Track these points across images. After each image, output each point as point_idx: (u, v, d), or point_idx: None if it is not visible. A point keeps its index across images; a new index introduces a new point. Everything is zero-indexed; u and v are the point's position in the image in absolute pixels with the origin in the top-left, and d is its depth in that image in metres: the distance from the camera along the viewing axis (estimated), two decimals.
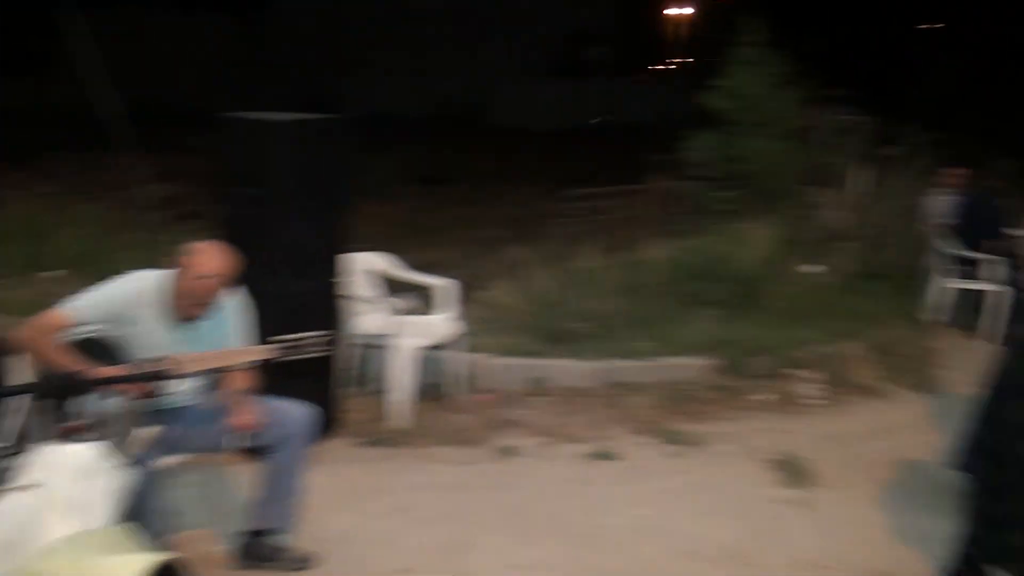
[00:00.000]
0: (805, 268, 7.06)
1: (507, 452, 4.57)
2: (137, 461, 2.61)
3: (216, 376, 3.16)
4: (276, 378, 3.30)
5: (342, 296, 4.51)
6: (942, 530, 3.46)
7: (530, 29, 25.47)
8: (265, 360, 2.92)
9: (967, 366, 5.42)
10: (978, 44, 24.24)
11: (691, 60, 31.74)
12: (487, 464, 4.46)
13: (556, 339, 5.56)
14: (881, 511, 4.09)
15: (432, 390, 5.01)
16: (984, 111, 17.31)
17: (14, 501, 1.90)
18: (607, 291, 6.10)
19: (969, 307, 7.05)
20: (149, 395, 2.80)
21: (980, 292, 6.90)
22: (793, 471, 4.40)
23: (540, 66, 26.08)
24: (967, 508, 3.28)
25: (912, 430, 5.05)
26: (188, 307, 3.15)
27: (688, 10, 33.08)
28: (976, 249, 7.08)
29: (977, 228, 7.22)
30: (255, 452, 3.36)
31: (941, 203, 7.71)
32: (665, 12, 33.58)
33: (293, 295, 4.07)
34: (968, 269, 7.08)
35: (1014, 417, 3.03)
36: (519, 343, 5.49)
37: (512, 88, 23.49)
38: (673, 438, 4.75)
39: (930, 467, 4.48)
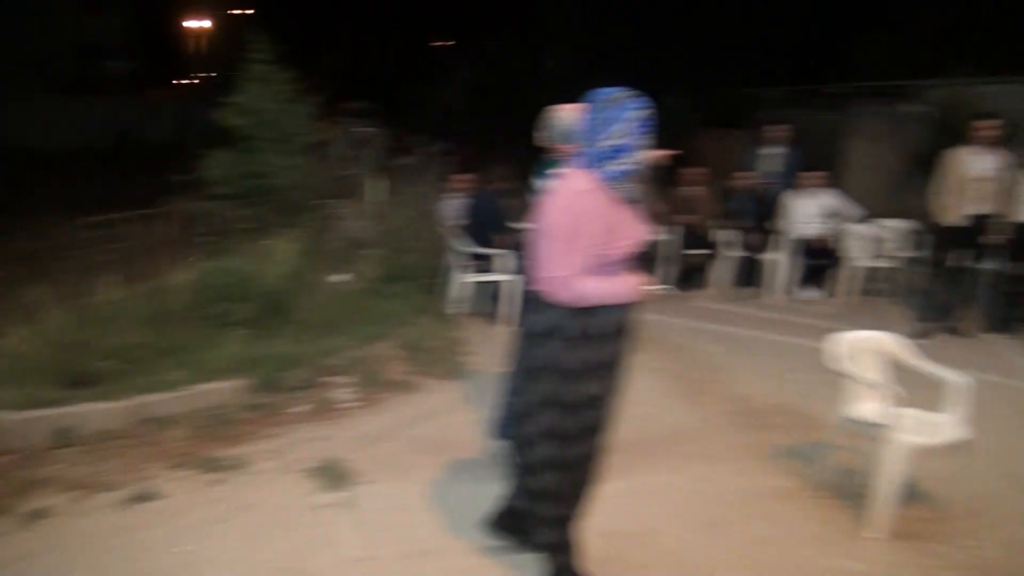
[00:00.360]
0: (333, 278, 7.26)
1: (36, 516, 4.13)
2: None
3: None
4: None
5: None
6: (488, 495, 3.84)
7: (36, 42, 23.34)
8: None
9: (492, 350, 6.04)
10: (486, 59, 26.63)
11: (213, 75, 31.15)
12: (15, 534, 4.00)
13: (79, 382, 5.15)
14: (424, 492, 4.40)
15: None
16: (491, 120, 19.24)
17: None
18: (131, 323, 5.79)
19: (487, 297, 7.83)
20: None
21: (495, 283, 7.65)
22: (333, 475, 4.54)
23: (50, 82, 24.05)
24: (510, 469, 3.67)
25: (448, 414, 5.51)
26: None
27: (207, 23, 32.39)
28: (487, 245, 7.84)
29: (486, 226, 7.98)
30: None
31: (452, 206, 8.39)
32: (185, 25, 32.58)
33: None
34: (483, 263, 7.82)
35: (528, 391, 3.42)
36: (38, 393, 4.98)
37: (18, 106, 21.36)
38: (213, 466, 4.62)
39: (471, 442, 4.93)
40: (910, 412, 4.50)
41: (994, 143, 7.35)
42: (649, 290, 3.37)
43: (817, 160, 8.45)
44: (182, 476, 4.56)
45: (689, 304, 9.05)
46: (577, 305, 3.20)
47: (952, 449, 4.37)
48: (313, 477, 4.52)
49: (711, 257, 9.80)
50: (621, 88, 3.21)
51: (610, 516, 4.19)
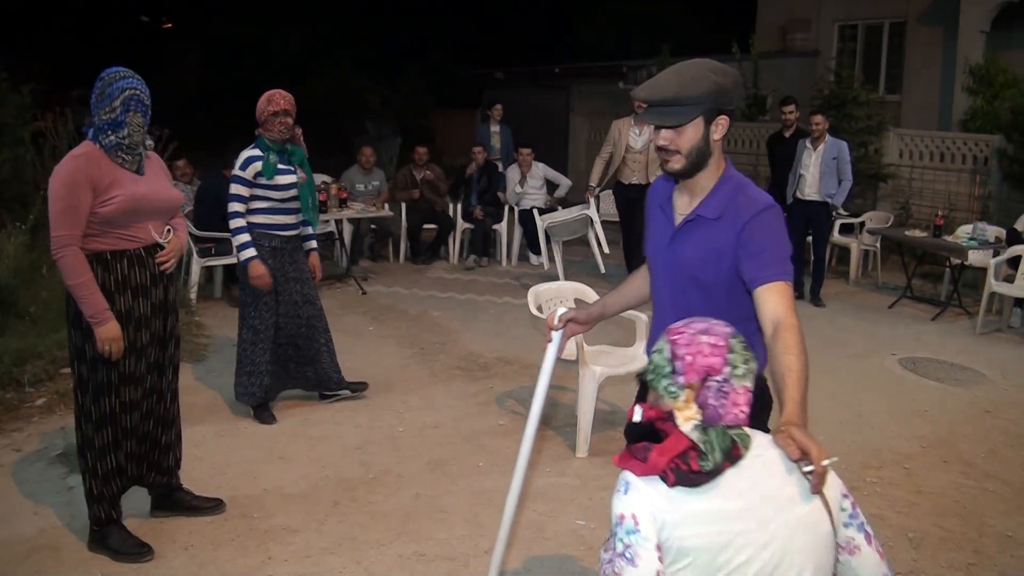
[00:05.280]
0: None
1: None
2: None
3: None
4: None
5: None
6: None
7: None
8: None
9: (229, 331, 6.19)
10: (212, 42, 25.91)
11: None
12: None
13: None
14: None
15: None
16: (223, 103, 18.89)
17: None
18: None
19: (231, 281, 7.99)
20: None
21: (233, 266, 7.80)
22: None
23: None
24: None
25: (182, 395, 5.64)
26: None
27: None
28: (220, 229, 7.94)
29: (216, 210, 8.06)
30: None
31: (183, 192, 8.43)
32: None
33: None
34: (218, 247, 7.93)
35: None
36: None
37: None
38: None
39: (206, 418, 5.15)
40: (601, 347, 5.31)
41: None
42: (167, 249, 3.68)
43: (546, 136, 9.14)
44: None
45: (425, 276, 9.63)
46: (61, 270, 3.46)
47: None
48: (61, 463, 4.61)
49: (445, 230, 10.40)
50: (118, 68, 3.54)
51: (345, 466, 4.66)
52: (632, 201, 8.42)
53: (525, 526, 4.01)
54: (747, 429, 1.89)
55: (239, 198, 4.99)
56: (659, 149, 2.48)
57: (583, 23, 23.63)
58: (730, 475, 1.83)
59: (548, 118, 18.26)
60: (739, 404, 1.88)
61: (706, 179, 2.48)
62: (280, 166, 5.01)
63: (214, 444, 4.92)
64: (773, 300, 2.31)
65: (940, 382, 6.34)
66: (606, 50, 20.20)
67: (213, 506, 4.09)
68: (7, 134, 7.69)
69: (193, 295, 7.82)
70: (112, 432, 3.65)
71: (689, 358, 1.88)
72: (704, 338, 1.90)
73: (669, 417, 1.89)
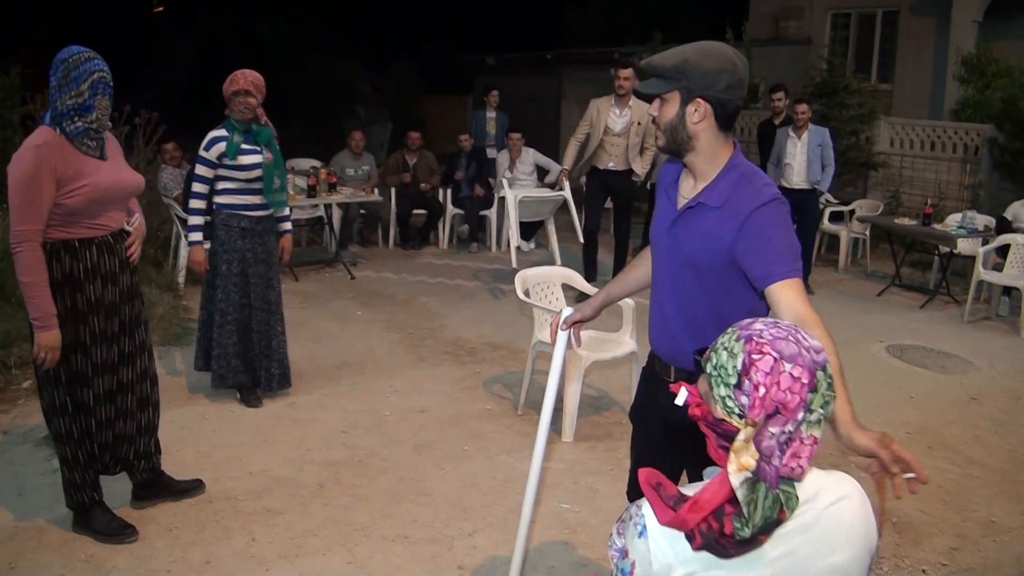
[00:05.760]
0: None
1: None
2: None
3: None
4: None
5: None
6: None
7: None
8: None
9: None
10: (200, 28, 25.77)
11: None
12: None
13: None
14: None
15: None
16: (212, 89, 18.81)
17: None
18: None
19: None
20: None
21: None
22: None
23: None
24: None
25: (169, 376, 5.63)
26: None
27: None
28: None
29: None
30: None
31: (171, 176, 8.40)
32: None
33: None
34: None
35: None
36: None
37: None
38: None
39: (190, 403, 5.13)
40: (584, 333, 5.27)
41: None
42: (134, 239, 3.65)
43: (538, 122, 8.95)
44: None
45: (415, 261, 9.60)
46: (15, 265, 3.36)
47: (623, 361, 5.19)
48: (46, 445, 4.57)
49: (434, 216, 10.38)
50: (81, 49, 3.41)
51: (330, 450, 4.65)
52: (608, 188, 8.14)
53: (509, 509, 4.01)
54: (797, 483, 1.59)
55: (201, 179, 4.98)
56: (652, 119, 2.46)
57: (575, 9, 23.54)
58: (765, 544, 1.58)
59: (540, 104, 18.22)
60: (801, 457, 1.57)
61: (705, 164, 2.41)
62: (244, 146, 4.94)
63: (198, 427, 4.91)
64: (788, 298, 2.23)
65: (927, 369, 6.36)
66: (598, 37, 20.15)
67: (195, 487, 4.08)
68: None
69: (181, 279, 7.78)
70: (86, 422, 3.61)
71: (763, 389, 1.54)
72: (788, 367, 1.54)
73: (715, 424, 1.63)
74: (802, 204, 8.50)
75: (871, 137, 11.72)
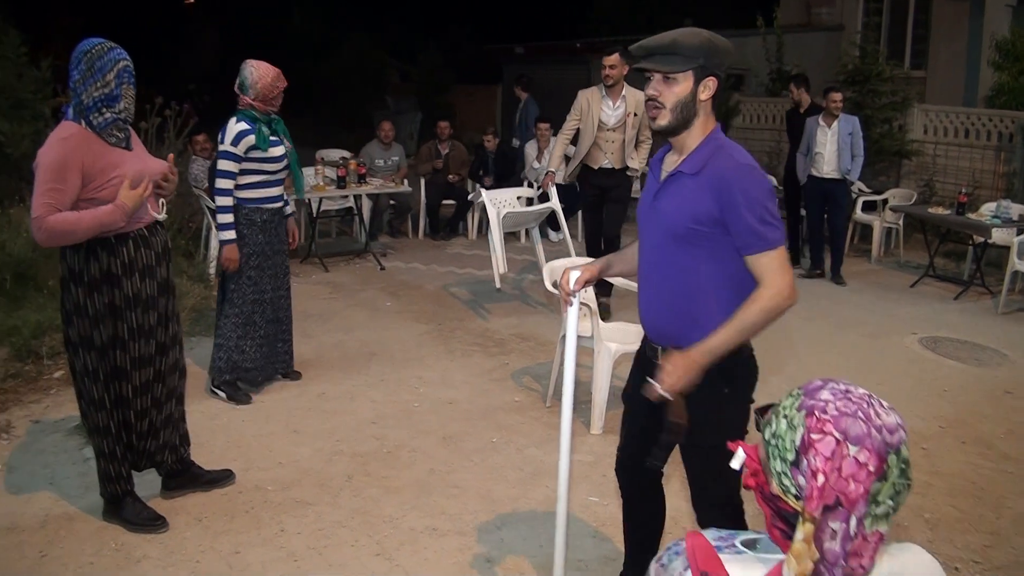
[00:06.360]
0: None
1: None
2: None
3: None
4: None
5: None
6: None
7: None
8: None
9: None
10: (231, 17, 25.92)
11: None
12: None
13: None
14: None
15: None
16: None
17: None
18: None
19: None
20: None
21: None
22: None
23: None
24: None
25: (200, 365, 5.67)
26: None
27: None
28: None
29: None
30: None
31: (202, 167, 8.46)
32: None
33: None
34: None
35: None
36: None
37: None
38: None
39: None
40: (613, 324, 5.28)
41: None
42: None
43: (566, 111, 8.87)
44: None
45: (444, 252, 9.62)
46: (56, 243, 3.35)
47: None
48: (78, 435, 4.63)
49: (463, 206, 10.38)
50: (101, 39, 3.38)
51: (359, 441, 4.67)
52: (605, 189, 7.09)
53: (538, 502, 4.01)
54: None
55: (229, 174, 4.89)
56: (648, 100, 2.55)
57: None
58: None
59: (568, 93, 18.12)
60: (863, 556, 1.36)
61: (692, 139, 2.54)
62: (271, 137, 4.95)
63: (228, 417, 4.94)
64: (760, 268, 2.42)
65: (961, 362, 6.28)
66: (627, 25, 20.03)
67: (224, 477, 4.11)
68: (27, 108, 7.73)
69: (212, 270, 7.83)
70: (124, 415, 3.65)
71: (822, 477, 1.34)
72: (852, 450, 1.34)
73: (770, 500, 1.46)
74: (832, 193, 8.42)
75: (904, 125, 11.57)
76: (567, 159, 7.65)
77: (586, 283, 2.84)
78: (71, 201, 3.26)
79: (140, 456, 3.81)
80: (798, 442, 1.38)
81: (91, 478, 3.88)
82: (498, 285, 7.37)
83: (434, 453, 4.55)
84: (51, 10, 23.05)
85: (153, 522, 3.71)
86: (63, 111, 3.44)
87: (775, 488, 1.43)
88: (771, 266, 2.39)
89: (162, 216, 3.66)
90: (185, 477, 4.02)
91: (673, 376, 2.41)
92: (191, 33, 26.46)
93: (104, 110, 3.34)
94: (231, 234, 4.93)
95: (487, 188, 10.25)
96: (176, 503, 3.93)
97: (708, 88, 2.49)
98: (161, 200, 3.67)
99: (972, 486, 4.33)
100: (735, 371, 2.56)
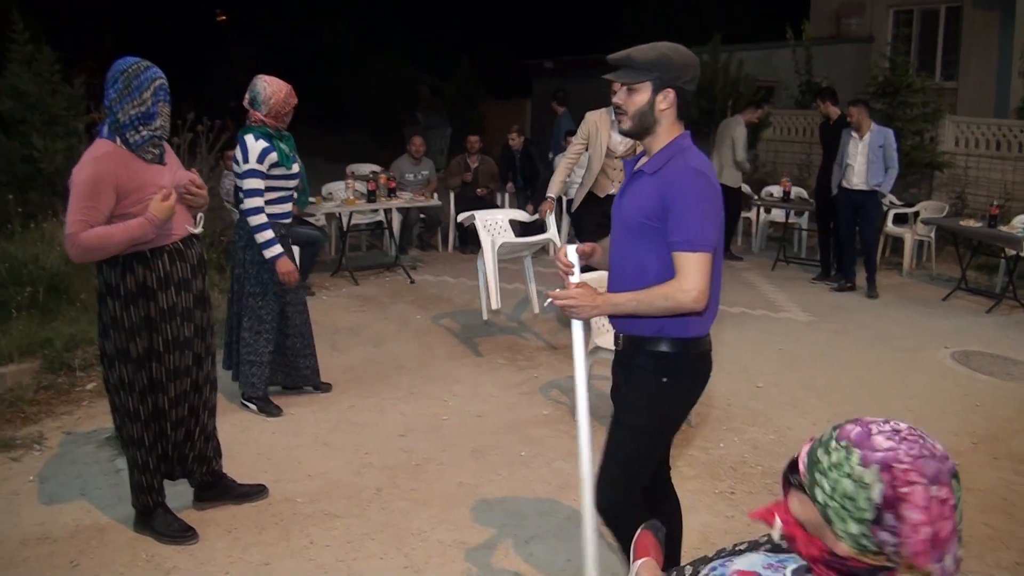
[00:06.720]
0: None
1: None
2: None
3: None
4: None
5: None
6: None
7: None
8: None
9: None
10: (263, 34, 26.22)
11: None
12: None
13: None
14: None
15: None
16: None
17: None
18: None
19: None
20: None
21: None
22: None
23: None
24: None
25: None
26: None
27: None
28: None
29: None
30: None
31: (233, 181, 8.53)
32: None
33: None
34: None
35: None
36: None
37: None
38: (8, 445, 4.68)
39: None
40: None
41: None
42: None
43: None
44: None
45: (473, 265, 9.56)
46: (89, 258, 3.39)
47: None
48: (109, 446, 4.70)
49: None
50: (137, 59, 3.43)
51: (388, 454, 4.69)
52: (608, 217, 6.60)
53: (566, 516, 4.01)
54: None
55: (258, 192, 4.84)
56: (615, 107, 2.79)
57: (634, 11, 23.43)
58: None
59: (598, 107, 18.16)
60: None
61: (657, 143, 2.74)
62: (290, 154, 4.98)
63: (259, 429, 4.99)
64: (677, 266, 2.58)
65: (993, 376, 6.20)
66: (656, 38, 20.01)
67: (257, 491, 4.14)
68: (60, 124, 7.86)
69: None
70: (160, 427, 3.69)
71: (926, 529, 1.31)
72: (935, 491, 1.31)
73: (836, 562, 1.39)
74: (862, 206, 8.37)
75: (935, 137, 11.49)
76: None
77: (584, 257, 3.00)
78: (104, 219, 3.31)
79: (173, 466, 3.86)
80: (877, 499, 1.32)
81: (123, 489, 3.92)
82: (486, 317, 6.91)
83: (463, 466, 4.57)
84: (84, 28, 23.45)
85: (183, 533, 3.75)
86: (98, 129, 3.49)
87: (846, 550, 1.37)
88: (688, 265, 2.55)
89: (198, 230, 3.70)
90: (217, 489, 4.06)
91: (574, 300, 2.64)
92: (224, 50, 26.81)
93: (141, 128, 3.39)
94: (277, 248, 4.88)
95: (511, 193, 10.30)
96: (206, 515, 3.98)
97: (667, 98, 2.68)
98: (199, 215, 3.72)
99: (1004, 502, 4.28)
100: (679, 366, 2.75)
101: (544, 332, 7.04)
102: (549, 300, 2.73)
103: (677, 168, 2.63)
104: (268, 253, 4.89)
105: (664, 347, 2.73)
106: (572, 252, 2.89)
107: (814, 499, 1.39)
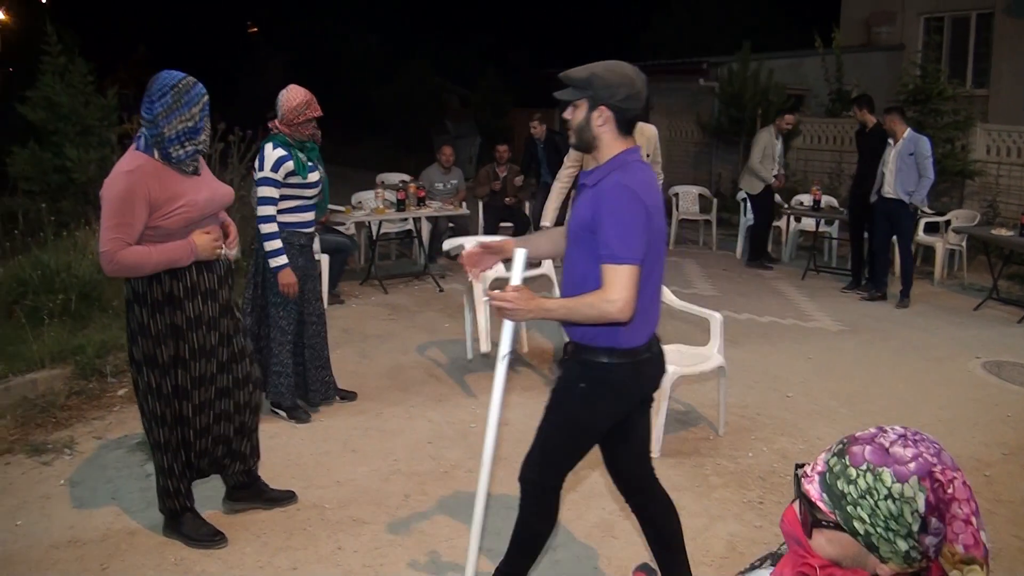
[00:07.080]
0: None
1: None
2: None
3: None
4: None
5: None
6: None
7: None
8: None
9: None
10: (294, 44, 26.46)
11: (10, 69, 29.56)
12: None
13: None
14: None
15: None
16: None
17: None
18: None
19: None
20: None
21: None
22: None
23: None
24: None
25: None
26: None
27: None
28: None
29: None
30: None
31: None
32: None
33: None
34: None
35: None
36: None
37: None
38: (40, 449, 4.76)
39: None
40: (674, 346, 5.26)
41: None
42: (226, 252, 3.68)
43: None
44: (10, 462, 4.66)
45: None
46: (124, 275, 3.46)
47: (711, 375, 5.12)
48: (140, 451, 4.75)
49: (521, 229, 10.42)
50: (183, 73, 3.45)
51: (416, 461, 4.71)
52: None
53: (594, 524, 4.01)
54: None
55: (271, 200, 4.88)
56: (563, 122, 2.95)
57: (662, 20, 23.42)
58: None
59: None
60: None
61: (602, 157, 2.82)
62: (308, 163, 4.99)
63: (288, 436, 5.02)
64: (604, 277, 2.65)
65: None
66: (685, 47, 19.99)
67: (287, 497, 4.17)
68: (94, 135, 7.96)
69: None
70: (184, 433, 3.73)
71: (976, 520, 1.33)
72: (962, 476, 1.35)
73: None
74: (894, 214, 8.28)
75: (967, 145, 11.38)
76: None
77: (487, 251, 3.18)
78: (139, 233, 3.35)
79: (203, 469, 3.90)
80: (922, 508, 1.30)
81: (153, 494, 3.96)
82: (470, 356, 6.59)
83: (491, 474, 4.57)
84: (116, 39, 23.76)
85: (212, 538, 3.78)
86: (135, 140, 3.50)
87: (894, 567, 1.36)
88: (613, 277, 2.63)
89: (235, 254, 3.75)
90: (250, 491, 4.10)
91: (510, 302, 2.75)
92: (256, 60, 27.07)
93: (187, 143, 3.43)
94: (283, 259, 4.90)
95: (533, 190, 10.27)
96: (235, 519, 4.01)
97: (602, 115, 2.76)
98: (235, 248, 3.76)
99: None
100: (602, 375, 2.86)
101: (555, 336, 7.02)
102: (486, 299, 2.84)
103: (611, 183, 2.71)
104: (273, 262, 4.91)
105: (592, 355, 2.85)
106: (472, 244, 3.12)
107: (854, 532, 1.36)
